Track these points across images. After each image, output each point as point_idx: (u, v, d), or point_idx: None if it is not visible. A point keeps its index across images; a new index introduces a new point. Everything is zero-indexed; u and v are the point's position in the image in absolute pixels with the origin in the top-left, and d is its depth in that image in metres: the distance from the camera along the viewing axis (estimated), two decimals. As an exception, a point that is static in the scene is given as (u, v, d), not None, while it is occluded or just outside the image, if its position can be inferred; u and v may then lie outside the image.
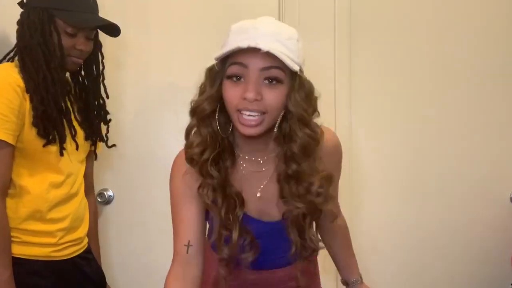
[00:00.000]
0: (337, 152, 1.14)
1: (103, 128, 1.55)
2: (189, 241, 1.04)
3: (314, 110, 1.03)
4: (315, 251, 1.09)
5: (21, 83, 1.26)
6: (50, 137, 1.30)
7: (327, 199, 1.04)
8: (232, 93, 0.96)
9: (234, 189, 1.03)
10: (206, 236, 1.12)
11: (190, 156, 1.01)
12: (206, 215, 1.10)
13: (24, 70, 1.28)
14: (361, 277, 1.35)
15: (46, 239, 1.32)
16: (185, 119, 1.06)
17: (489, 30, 1.99)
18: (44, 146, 1.30)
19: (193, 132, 1.03)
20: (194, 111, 1.02)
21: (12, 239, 1.27)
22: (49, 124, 1.29)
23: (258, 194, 1.07)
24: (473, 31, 1.98)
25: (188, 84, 1.07)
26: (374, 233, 1.90)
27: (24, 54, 1.30)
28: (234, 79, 0.96)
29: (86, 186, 1.52)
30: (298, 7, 1.87)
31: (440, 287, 2.02)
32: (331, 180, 1.05)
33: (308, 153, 1.01)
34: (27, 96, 1.26)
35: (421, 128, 1.99)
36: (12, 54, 1.37)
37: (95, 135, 1.50)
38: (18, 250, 1.28)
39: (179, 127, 1.09)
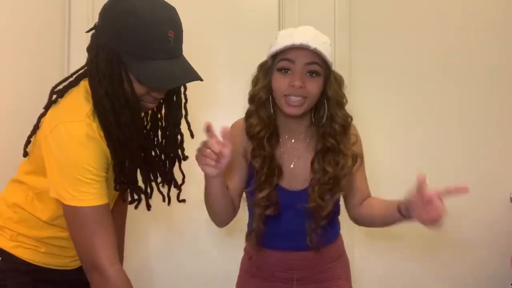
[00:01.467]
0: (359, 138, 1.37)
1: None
2: (227, 185, 1.23)
3: (344, 96, 1.30)
4: (329, 212, 1.26)
5: (103, 138, 1.12)
6: (135, 199, 1.25)
7: (349, 173, 1.28)
8: (281, 82, 1.23)
9: (277, 162, 1.28)
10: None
11: (251, 134, 1.28)
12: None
13: (102, 128, 1.11)
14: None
15: (67, 252, 1.27)
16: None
17: (489, 29, 1.99)
18: (130, 203, 1.28)
19: (251, 116, 1.29)
20: (253, 99, 1.29)
21: (34, 248, 1.22)
22: (134, 189, 1.23)
23: (292, 166, 1.32)
24: (474, 29, 1.98)
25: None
26: (372, 231, 1.89)
27: (96, 101, 1.10)
28: (283, 71, 1.23)
29: None
30: (298, 7, 1.88)
31: (439, 286, 2.02)
32: (358, 158, 1.31)
33: (346, 131, 1.28)
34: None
35: (421, 127, 1.99)
36: (82, 71, 1.18)
37: (166, 181, 1.30)
38: (38, 258, 1.23)
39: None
